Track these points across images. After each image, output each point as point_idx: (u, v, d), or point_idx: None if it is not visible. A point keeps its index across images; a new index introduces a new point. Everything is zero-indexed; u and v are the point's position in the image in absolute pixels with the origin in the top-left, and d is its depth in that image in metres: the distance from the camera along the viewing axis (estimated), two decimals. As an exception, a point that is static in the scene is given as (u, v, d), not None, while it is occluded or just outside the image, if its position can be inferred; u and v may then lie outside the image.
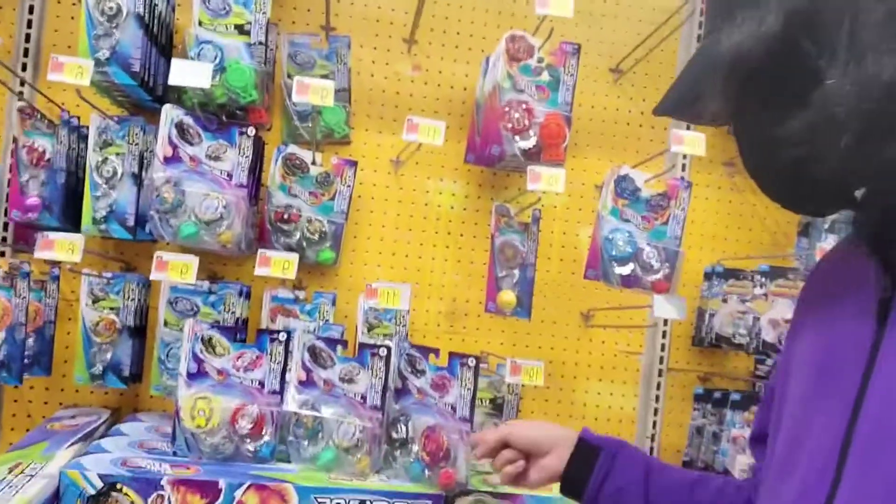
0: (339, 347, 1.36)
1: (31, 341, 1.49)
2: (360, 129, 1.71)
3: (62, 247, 1.17)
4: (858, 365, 0.63)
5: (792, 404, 0.73)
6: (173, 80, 1.22)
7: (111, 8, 1.31)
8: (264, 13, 1.44)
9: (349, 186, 1.62)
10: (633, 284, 1.49)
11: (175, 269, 1.22)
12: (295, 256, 1.30)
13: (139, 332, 1.56)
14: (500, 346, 1.76)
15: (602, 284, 1.50)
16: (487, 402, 1.69)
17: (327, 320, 1.62)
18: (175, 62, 1.22)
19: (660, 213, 1.50)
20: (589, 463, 0.97)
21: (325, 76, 1.69)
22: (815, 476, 0.65)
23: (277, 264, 1.25)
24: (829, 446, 0.64)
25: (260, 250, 1.29)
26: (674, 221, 1.50)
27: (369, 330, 1.58)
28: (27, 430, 1.53)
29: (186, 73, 1.20)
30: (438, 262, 1.74)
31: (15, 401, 1.62)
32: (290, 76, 1.67)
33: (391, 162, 1.71)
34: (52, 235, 1.21)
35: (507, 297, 1.52)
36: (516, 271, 1.54)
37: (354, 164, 1.62)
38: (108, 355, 1.52)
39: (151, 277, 1.23)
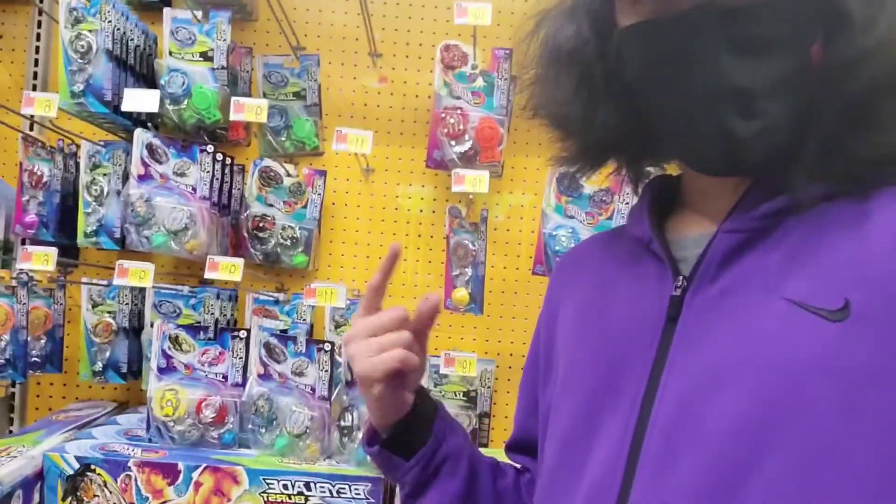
0: (290, 343, 1.48)
1: (43, 343, 1.69)
2: (332, 140, 1.82)
3: (38, 258, 1.35)
4: (645, 366, 0.61)
5: (569, 405, 0.68)
6: (126, 106, 1.38)
7: (82, 46, 1.49)
8: (224, 40, 1.59)
9: (320, 195, 1.74)
10: (577, 278, 1.53)
11: (134, 275, 1.37)
12: (240, 261, 1.42)
13: (137, 332, 1.74)
14: (472, 342, 1.83)
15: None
16: (461, 394, 1.77)
17: (304, 319, 1.74)
18: (127, 91, 1.38)
19: (604, 208, 1.54)
20: (431, 411, 0.81)
21: (296, 93, 1.82)
22: (600, 485, 0.61)
23: (225, 268, 1.38)
24: (613, 456, 0.60)
25: (209, 257, 1.43)
26: (618, 216, 1.54)
27: (336, 328, 1.69)
28: (43, 422, 1.73)
29: (137, 100, 1.35)
30: (410, 262, 1.84)
31: (37, 396, 1.83)
32: (265, 95, 1.81)
33: (362, 170, 1.82)
34: (31, 248, 1.39)
35: (460, 294, 1.60)
36: (468, 269, 1.61)
37: (324, 173, 1.74)
38: (107, 354, 1.70)
39: (114, 283, 1.39)
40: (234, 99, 1.38)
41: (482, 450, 1.71)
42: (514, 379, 1.84)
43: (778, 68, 0.56)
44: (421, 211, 1.84)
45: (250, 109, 1.35)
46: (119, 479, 1.37)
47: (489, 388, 1.77)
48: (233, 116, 1.38)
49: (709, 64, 0.56)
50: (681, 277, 0.62)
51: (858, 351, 0.52)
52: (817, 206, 0.58)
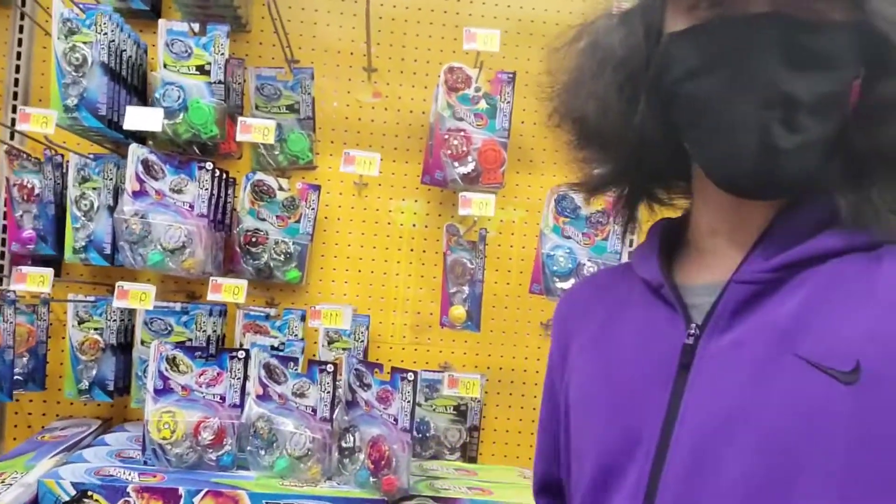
0: (290, 364, 1.47)
1: (25, 360, 1.64)
2: (325, 154, 1.82)
3: (33, 280, 1.31)
4: (658, 416, 0.62)
5: (590, 457, 0.69)
6: (127, 125, 1.34)
7: (77, 58, 1.45)
8: (222, 54, 1.56)
9: (313, 209, 1.73)
10: (575, 298, 1.56)
11: (135, 298, 1.34)
12: (243, 283, 1.41)
13: (124, 349, 1.70)
14: (462, 356, 1.85)
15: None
16: (451, 408, 1.78)
17: (296, 335, 1.73)
18: (129, 109, 1.35)
19: (600, 229, 1.57)
20: None
21: (290, 106, 1.80)
22: None
23: (228, 290, 1.37)
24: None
25: (211, 279, 1.41)
26: (614, 237, 1.57)
27: (329, 344, 1.69)
28: (26, 441, 1.68)
29: (139, 119, 1.32)
30: (402, 277, 1.84)
31: (16, 413, 1.78)
32: (257, 108, 1.79)
33: (355, 184, 1.81)
34: (25, 269, 1.35)
35: (458, 311, 1.61)
36: (466, 287, 1.63)
37: (318, 188, 1.73)
38: (94, 372, 1.66)
39: (114, 305, 1.36)
40: (240, 119, 1.37)
41: (471, 464, 1.75)
42: (504, 393, 1.86)
43: (825, 87, 0.57)
44: (414, 226, 1.84)
45: (258, 130, 1.34)
46: (117, 505, 1.34)
47: (480, 402, 1.79)
48: (239, 137, 1.37)
49: (764, 69, 0.57)
50: (693, 325, 0.62)
51: (869, 414, 0.52)
52: (831, 259, 0.58)
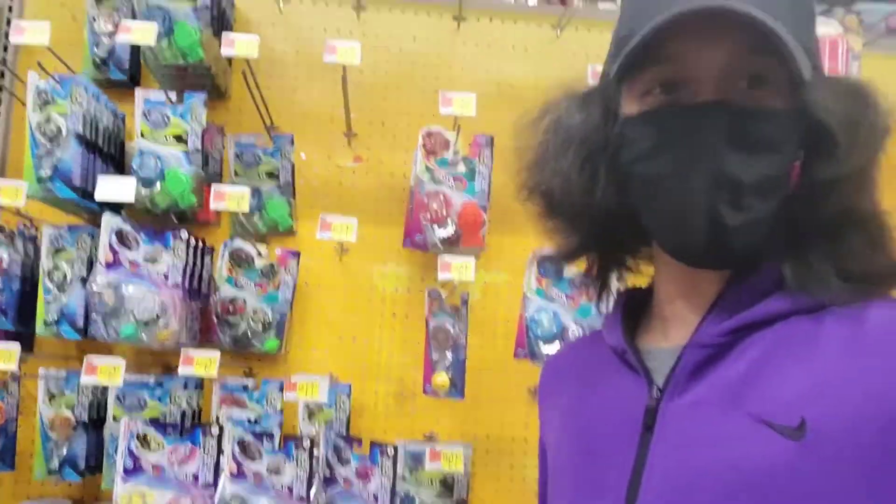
0: (266, 439, 1.41)
1: (-6, 439, 1.58)
2: (305, 219, 1.80)
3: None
4: (624, 475, 0.65)
5: None
6: (99, 195, 1.32)
7: (51, 129, 1.44)
8: (200, 122, 1.55)
9: (293, 276, 1.69)
10: (561, 363, 1.52)
11: (104, 373, 1.29)
12: (216, 354, 1.36)
13: (96, 424, 1.64)
14: (448, 424, 1.79)
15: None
16: (437, 481, 1.71)
17: (275, 407, 1.67)
18: (101, 179, 1.33)
19: (584, 291, 1.54)
20: None
21: (270, 173, 1.79)
22: None
23: (200, 363, 1.32)
24: None
25: (183, 349, 1.36)
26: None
27: (310, 417, 1.63)
28: (-9, 525, 1.60)
29: (111, 189, 1.30)
30: (385, 343, 1.80)
31: (-17, 495, 1.70)
32: (236, 174, 1.77)
33: (335, 250, 1.79)
34: (-10, 346, 1.30)
35: (441, 379, 1.56)
36: (449, 353, 1.58)
37: (297, 254, 1.70)
38: (65, 450, 1.59)
39: (81, 382, 1.31)
40: (214, 187, 1.35)
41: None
42: (492, 463, 1.79)
43: (768, 170, 0.62)
44: (396, 290, 1.81)
45: (232, 198, 1.32)
46: None
47: (467, 474, 1.72)
48: (213, 206, 1.34)
49: (711, 154, 0.61)
50: (655, 388, 0.66)
51: (814, 469, 0.55)
52: (777, 322, 0.62)
